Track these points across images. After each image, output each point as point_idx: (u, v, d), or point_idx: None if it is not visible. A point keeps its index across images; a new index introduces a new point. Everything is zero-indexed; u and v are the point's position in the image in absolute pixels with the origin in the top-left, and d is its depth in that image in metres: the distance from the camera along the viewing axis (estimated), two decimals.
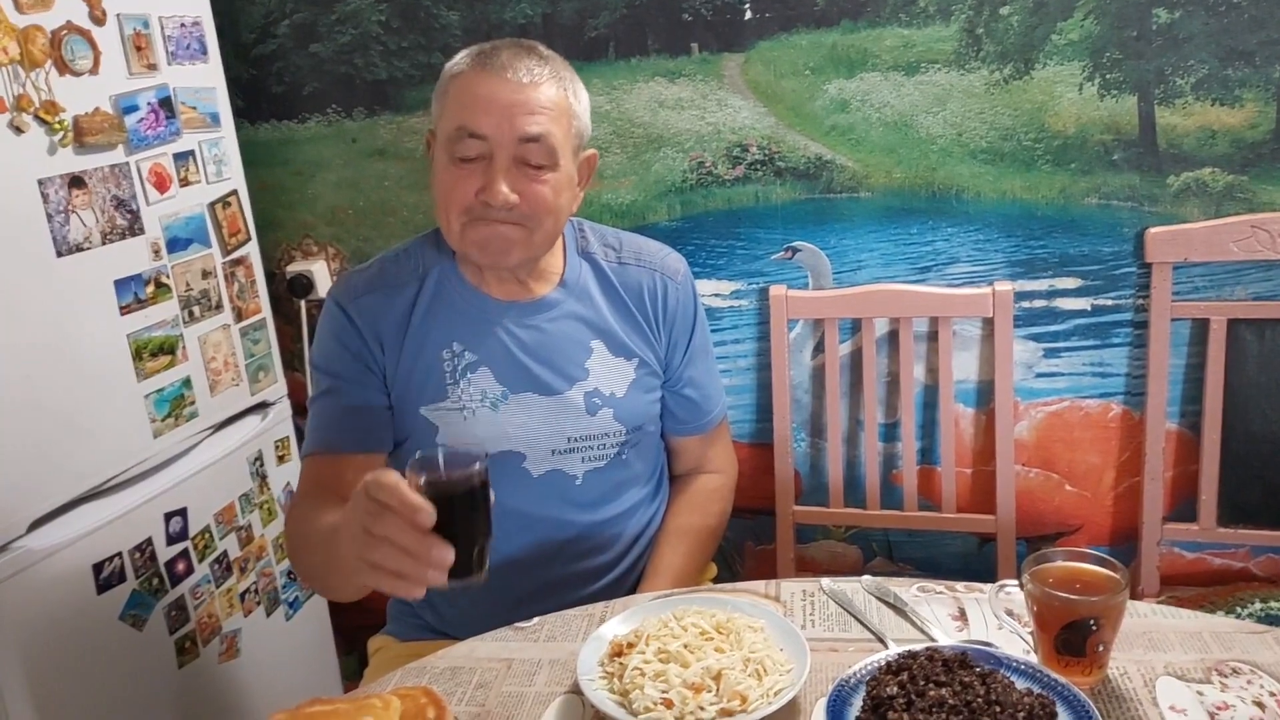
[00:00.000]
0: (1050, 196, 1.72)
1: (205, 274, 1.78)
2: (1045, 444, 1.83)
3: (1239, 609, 1.64)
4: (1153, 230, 1.66)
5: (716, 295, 1.90)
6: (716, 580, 1.63)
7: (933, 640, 1.10)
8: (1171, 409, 1.74)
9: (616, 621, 1.11)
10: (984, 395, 1.83)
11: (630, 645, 1.04)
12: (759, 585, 1.25)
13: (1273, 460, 1.68)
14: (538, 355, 1.36)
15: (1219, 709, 0.96)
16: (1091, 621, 0.98)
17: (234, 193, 1.85)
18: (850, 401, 1.89)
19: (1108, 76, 1.64)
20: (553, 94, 1.25)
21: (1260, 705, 0.96)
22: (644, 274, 1.42)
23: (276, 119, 2.03)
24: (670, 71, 1.81)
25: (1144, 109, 1.64)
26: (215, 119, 1.81)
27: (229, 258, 1.83)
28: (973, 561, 1.91)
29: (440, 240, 1.39)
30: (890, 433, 1.88)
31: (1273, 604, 1.64)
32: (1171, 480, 1.77)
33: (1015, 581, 1.05)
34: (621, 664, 1.02)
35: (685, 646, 1.01)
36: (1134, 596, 1.67)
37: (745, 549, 2.03)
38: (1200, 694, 0.99)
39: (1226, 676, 1.01)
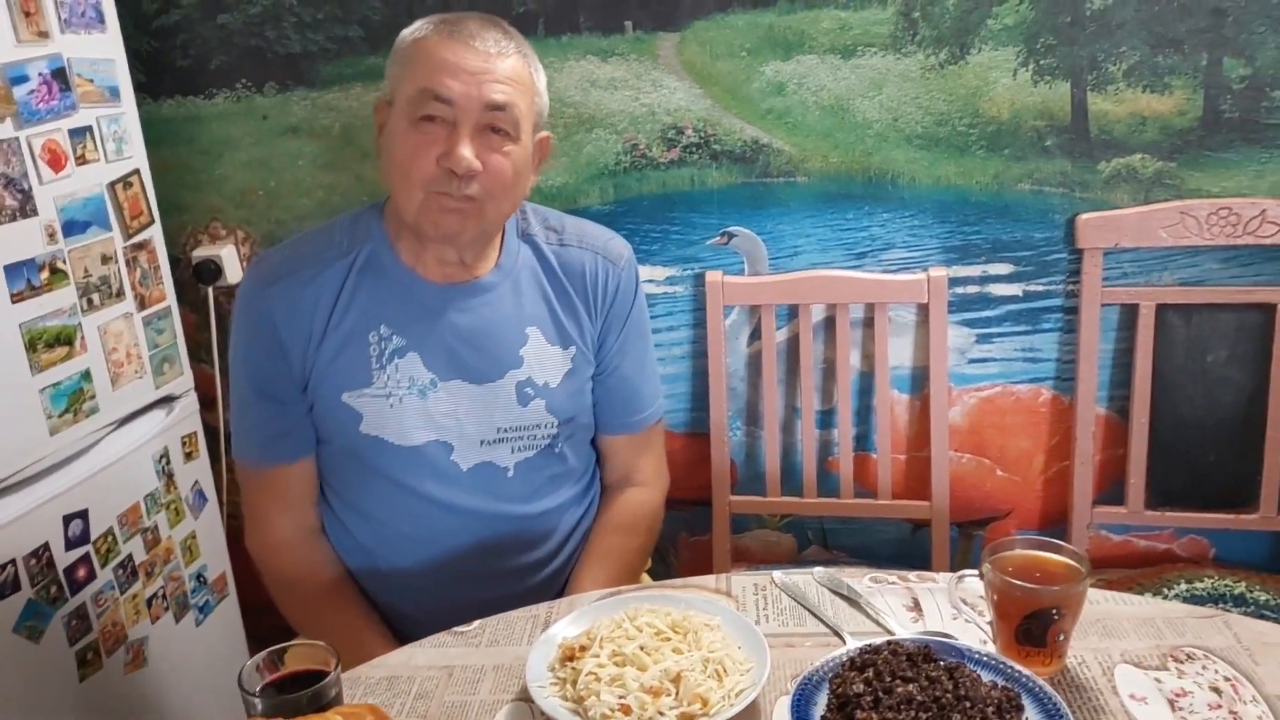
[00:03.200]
0: (984, 182, 1.71)
1: (105, 259, 1.66)
2: (978, 429, 1.83)
3: (1165, 590, 1.67)
4: (1083, 216, 1.67)
5: (651, 281, 1.85)
6: (651, 574, 1.60)
7: (889, 632, 1.08)
8: (1101, 394, 1.76)
9: (565, 623, 1.06)
10: (919, 381, 1.82)
11: (583, 649, 0.99)
12: (709, 580, 1.21)
13: (1199, 444, 1.71)
14: (470, 341, 1.30)
15: (1178, 695, 0.96)
16: (1054, 611, 0.97)
17: (136, 172, 1.72)
18: (787, 389, 1.87)
19: (1041, 62, 1.64)
20: (518, 67, 1.21)
21: (1217, 690, 0.96)
22: (585, 256, 1.37)
23: (181, 94, 1.90)
24: (603, 50, 1.75)
25: (1076, 95, 1.65)
26: (115, 93, 1.68)
27: (130, 242, 1.71)
28: (906, 547, 1.91)
29: (371, 217, 1.32)
30: (826, 420, 1.86)
31: (1197, 585, 1.67)
32: (1100, 464, 1.79)
33: (975, 571, 1.03)
34: (574, 669, 0.97)
35: (641, 648, 0.97)
36: None
37: (680, 541, 1.99)
38: (1159, 681, 0.98)
39: (1182, 662, 1.01)
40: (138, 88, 1.80)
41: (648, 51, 1.74)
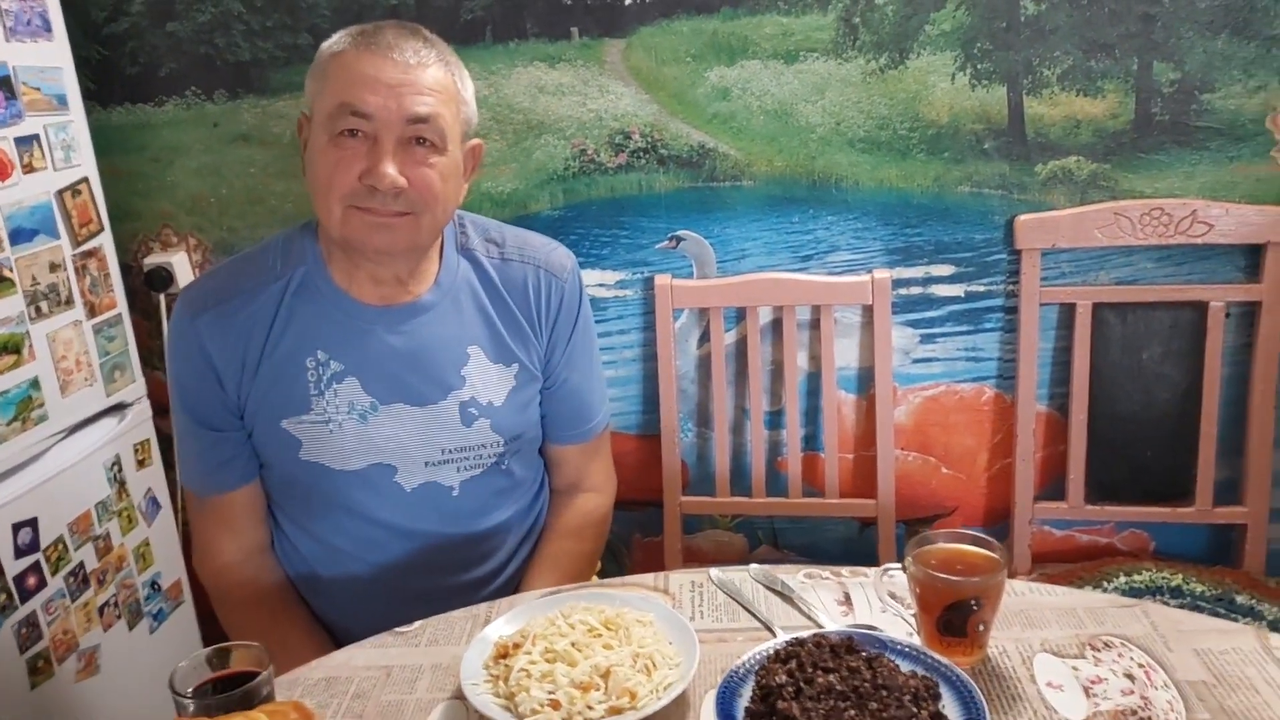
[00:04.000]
0: (925, 185, 1.75)
1: (53, 267, 1.66)
2: (923, 428, 1.87)
3: (1105, 583, 1.70)
4: (1021, 218, 1.71)
5: (601, 285, 1.87)
6: (603, 574, 1.61)
7: (820, 626, 1.11)
8: (1041, 391, 1.80)
9: (502, 622, 1.08)
10: (864, 381, 1.86)
11: (516, 646, 1.00)
12: (648, 578, 1.23)
13: (1136, 439, 1.75)
14: (410, 363, 1.28)
15: (1093, 682, 0.99)
16: (973, 602, 1.00)
17: (84, 180, 1.73)
18: (736, 390, 1.89)
19: (979, 67, 1.68)
20: (440, 76, 1.19)
21: (1130, 677, 0.99)
22: (528, 270, 1.35)
23: (131, 102, 1.91)
24: (550, 56, 1.77)
25: (1013, 99, 1.69)
26: (62, 101, 1.68)
27: (80, 249, 1.71)
28: (854, 545, 1.94)
29: (305, 238, 1.31)
30: (775, 420, 1.89)
31: (1135, 577, 1.71)
32: (1042, 460, 1.83)
33: (898, 565, 1.06)
34: (507, 666, 0.98)
35: (573, 645, 0.99)
36: (1008, 575, 1.73)
37: (633, 541, 2.01)
38: (1075, 669, 1.01)
39: (1099, 650, 1.04)
40: (87, 95, 1.81)
41: (594, 57, 1.77)
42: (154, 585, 1.89)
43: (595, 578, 1.55)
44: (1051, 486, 1.83)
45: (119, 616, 1.80)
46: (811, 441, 1.90)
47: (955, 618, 1.01)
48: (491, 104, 1.79)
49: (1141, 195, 1.69)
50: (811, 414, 1.88)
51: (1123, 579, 1.72)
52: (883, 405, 1.81)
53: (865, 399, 1.86)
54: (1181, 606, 1.63)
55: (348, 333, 1.28)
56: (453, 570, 1.37)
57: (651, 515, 1.94)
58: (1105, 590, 1.69)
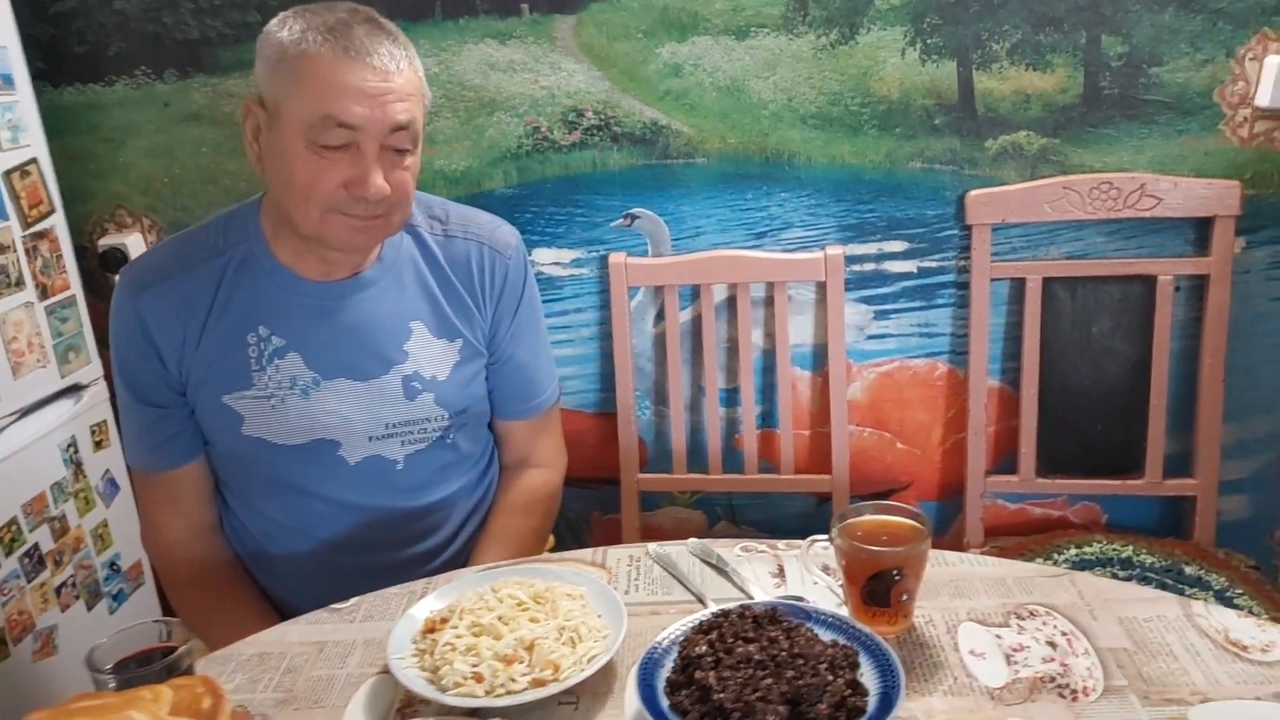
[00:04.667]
0: (877, 161, 1.75)
1: (2, 248, 1.65)
2: (877, 404, 1.87)
3: (1056, 555, 1.72)
4: (972, 193, 1.71)
5: (557, 264, 1.87)
6: (560, 551, 1.62)
7: (750, 598, 1.11)
8: (993, 366, 1.81)
9: (433, 598, 1.08)
10: (819, 358, 1.86)
11: (443, 621, 1.01)
12: (586, 553, 1.24)
13: (1086, 413, 1.76)
14: (352, 338, 1.29)
15: (1015, 650, 1.00)
16: (895, 572, 1.00)
17: (33, 161, 1.72)
18: (692, 368, 1.90)
19: (928, 41, 1.68)
20: (411, 78, 1.19)
21: (1053, 645, 1.00)
22: (471, 247, 1.36)
23: (81, 82, 1.90)
24: (500, 33, 1.76)
25: (963, 74, 1.68)
26: (8, 81, 1.68)
27: (30, 231, 1.71)
28: (811, 521, 1.95)
29: (247, 214, 1.31)
30: (731, 398, 1.90)
31: (1086, 549, 1.72)
32: (994, 435, 1.84)
33: (825, 536, 1.07)
34: (433, 640, 0.99)
35: (500, 619, 0.99)
36: (959, 548, 1.74)
37: (592, 519, 2.02)
38: (999, 637, 1.02)
39: (1024, 619, 1.05)
40: (37, 75, 1.79)
41: (545, 34, 1.76)
42: (113, 566, 1.89)
43: (548, 554, 1.55)
44: (1004, 460, 1.85)
45: (77, 597, 1.81)
46: (767, 418, 1.90)
47: (879, 588, 1.01)
48: (443, 81, 1.79)
49: (1091, 169, 1.69)
50: (767, 391, 1.89)
51: (1073, 551, 1.73)
52: (836, 382, 1.82)
53: (820, 375, 1.87)
54: (1131, 578, 1.65)
55: (290, 308, 1.28)
56: (399, 544, 1.38)
57: (610, 493, 1.94)
58: (1056, 562, 1.70)
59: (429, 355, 1.33)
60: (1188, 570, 1.66)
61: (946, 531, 1.92)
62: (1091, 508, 1.87)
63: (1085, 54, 1.65)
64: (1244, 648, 0.98)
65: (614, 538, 1.97)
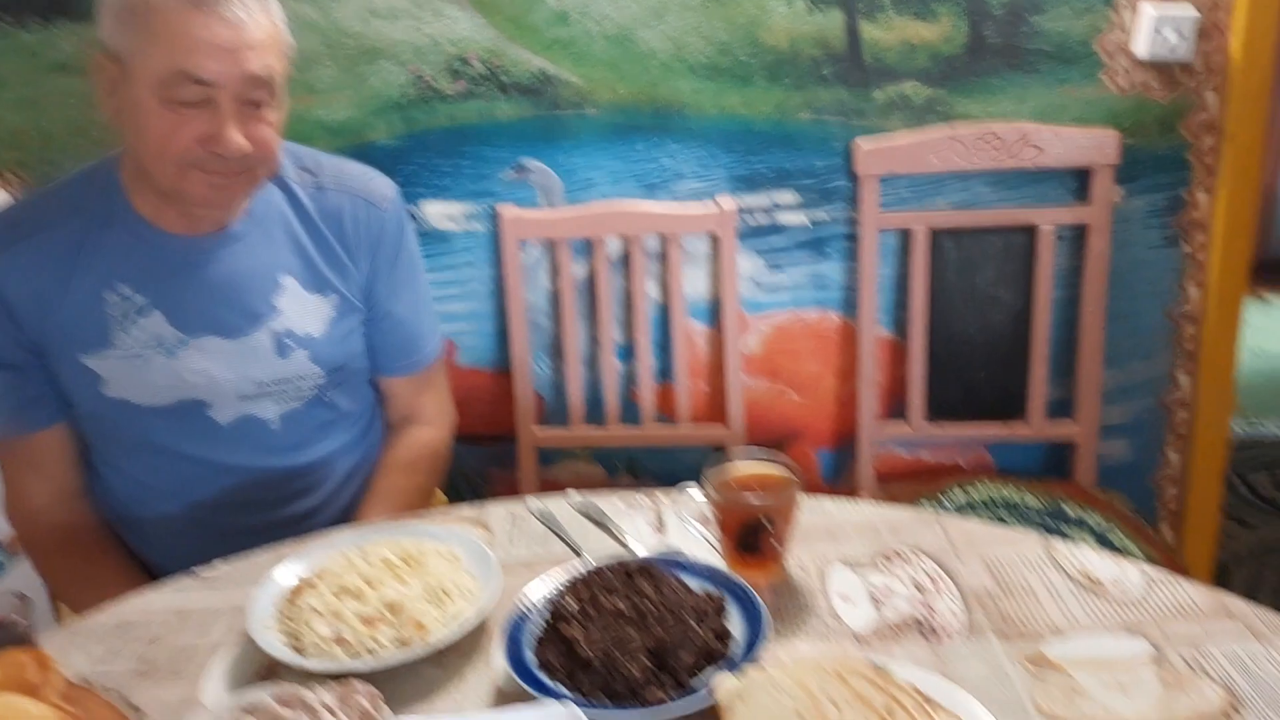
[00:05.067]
0: (766, 112, 1.74)
1: None
2: (771, 355, 1.88)
3: (944, 500, 1.75)
4: (860, 144, 1.72)
5: (447, 217, 1.83)
6: None
7: (630, 551, 1.11)
8: (883, 317, 1.83)
9: (299, 561, 1.06)
10: (714, 311, 1.86)
11: (308, 585, 0.99)
12: (466, 510, 1.23)
13: (971, 361, 1.80)
14: (218, 295, 1.25)
15: (882, 593, 1.02)
16: (765, 520, 1.01)
17: None
18: (588, 323, 1.88)
19: None
20: (266, 25, 1.14)
21: (919, 587, 1.02)
22: (344, 199, 1.32)
23: None
24: None
25: (849, 23, 1.68)
26: None
27: None
28: None
29: (106, 168, 1.26)
30: (628, 352, 1.89)
31: (972, 491, 1.76)
32: (884, 384, 1.86)
33: (695, 484, 1.07)
34: (296, 605, 0.97)
35: (365, 580, 0.97)
36: (852, 495, 1.77)
37: (489, 476, 2.00)
38: (867, 580, 1.04)
39: (892, 561, 1.06)
40: None
41: None
42: None
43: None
44: (894, 409, 1.87)
45: None
46: (664, 371, 1.90)
47: (751, 536, 1.02)
48: (321, 28, 1.72)
49: (976, 119, 1.71)
50: (663, 344, 1.88)
51: (961, 495, 1.77)
52: (731, 334, 1.82)
53: (715, 328, 1.87)
54: (1015, 520, 1.70)
55: (152, 265, 1.24)
56: (278, 504, 1.35)
57: (507, 450, 1.93)
58: (945, 506, 1.74)
59: (301, 311, 1.30)
60: (1069, 511, 1.71)
61: (840, 480, 1.95)
62: (980, 453, 1.92)
63: (969, 3, 1.66)
64: (1101, 584, 1.01)
65: (512, 495, 1.95)
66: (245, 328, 1.27)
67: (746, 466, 1.07)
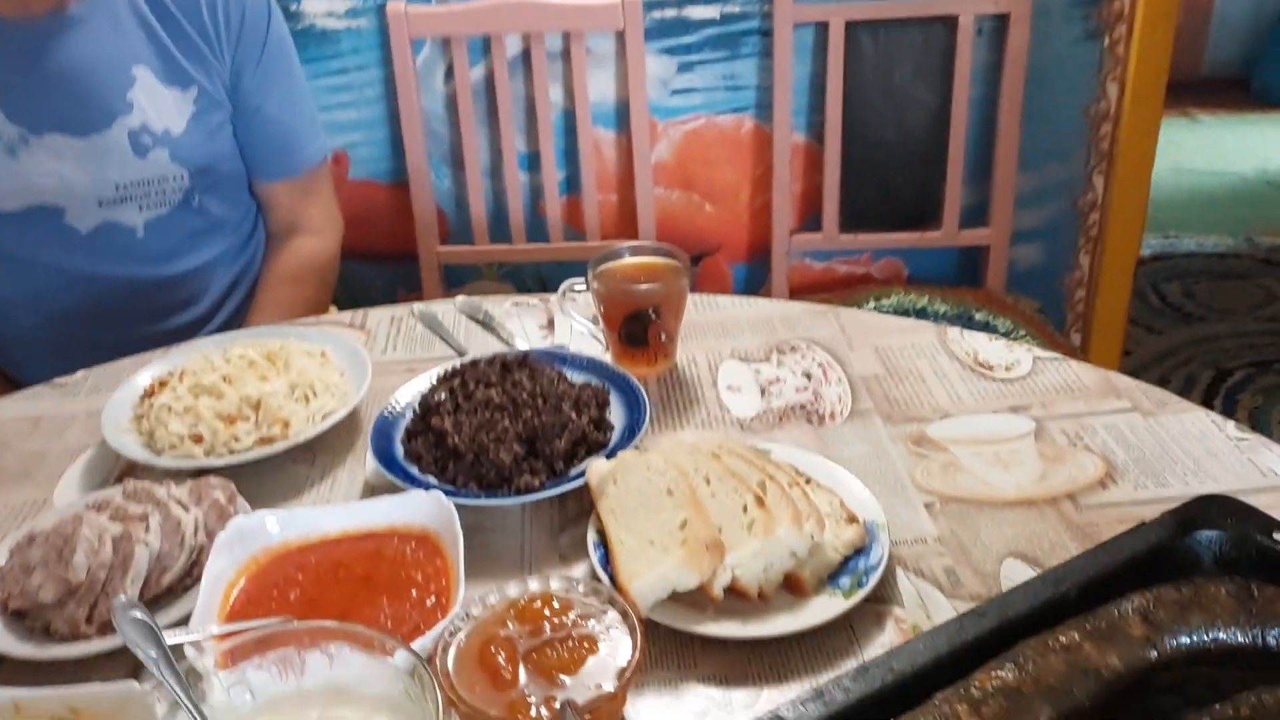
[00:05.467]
0: None
1: None
2: (684, 164, 1.81)
3: (857, 309, 1.73)
4: None
5: (330, 15, 1.69)
6: None
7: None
8: (798, 120, 1.75)
9: (159, 363, 0.99)
10: (622, 117, 1.77)
11: (162, 384, 0.93)
12: (345, 316, 1.17)
13: (887, 166, 1.75)
14: (62, 87, 1.14)
15: (771, 383, 0.99)
16: (651, 311, 0.97)
17: None
18: (489, 130, 1.78)
19: None
20: None
21: (808, 375, 1.00)
22: None
23: None
24: None
25: None
26: None
27: None
28: None
29: None
30: (532, 161, 1.80)
31: (884, 300, 1.74)
32: (800, 193, 1.81)
33: (582, 280, 1.02)
34: (151, 404, 0.91)
35: (224, 378, 0.92)
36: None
37: (398, 298, 1.94)
38: (757, 371, 1.01)
39: (784, 353, 1.04)
40: None
41: None
42: None
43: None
44: (810, 219, 1.83)
45: None
46: (572, 183, 1.82)
47: (636, 328, 0.98)
48: None
49: None
50: (570, 153, 1.80)
51: (873, 304, 1.75)
52: (640, 141, 1.74)
53: (624, 135, 1.78)
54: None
55: None
56: (152, 318, 1.28)
57: (411, 269, 1.85)
58: None
59: (158, 106, 1.19)
60: (977, 316, 1.71)
61: (756, 293, 1.92)
62: (894, 262, 1.89)
63: None
64: (990, 367, 0.99)
65: None
66: (96, 124, 1.17)
67: (633, 258, 1.02)
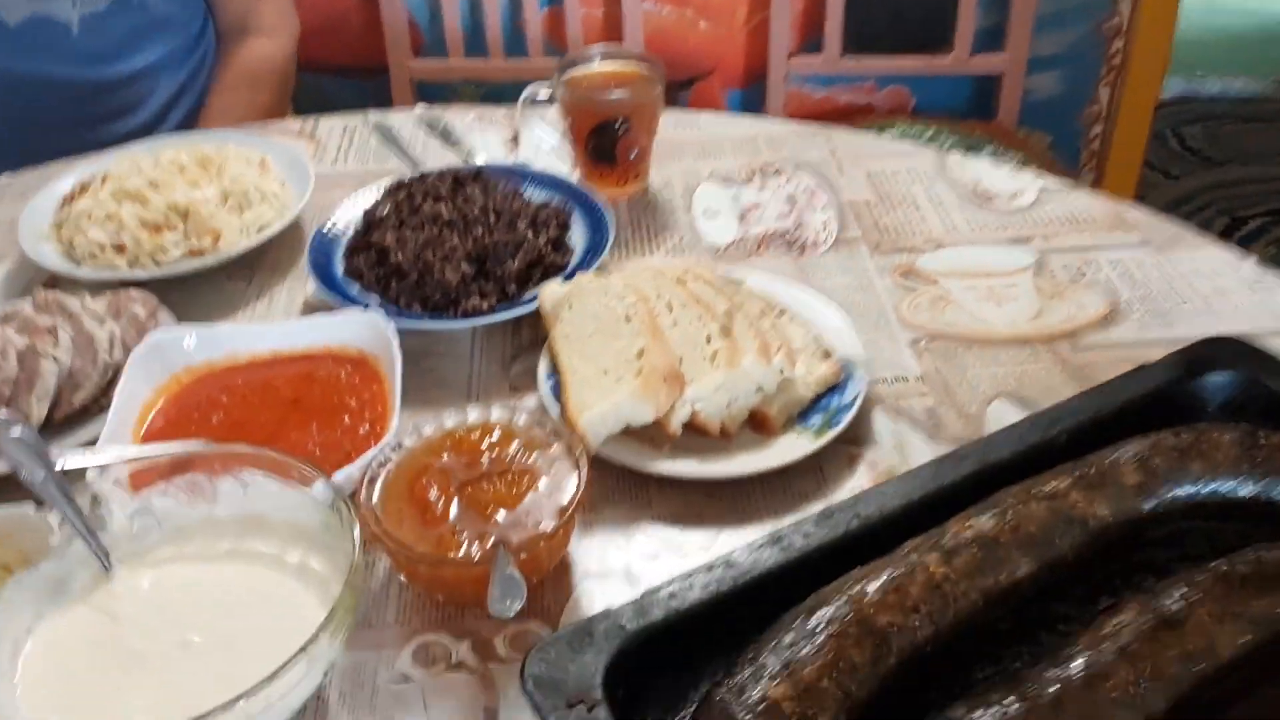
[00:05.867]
0: None
1: None
2: None
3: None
4: None
5: None
6: None
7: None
8: None
9: (84, 167, 0.91)
10: None
11: (84, 189, 0.85)
12: (294, 124, 1.07)
13: None
14: None
15: (750, 208, 0.91)
16: (620, 122, 0.87)
17: None
18: None
19: None
20: None
21: (792, 200, 0.91)
22: None
23: None
24: None
25: None
26: None
27: None
28: None
29: None
30: None
31: (886, 132, 1.63)
32: (801, 12, 1.66)
33: (547, 84, 0.92)
34: (71, 210, 0.83)
35: (151, 183, 0.83)
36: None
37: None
38: (736, 196, 0.93)
39: (768, 176, 0.95)
40: None
41: None
42: None
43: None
44: (811, 41, 1.69)
45: None
46: None
47: (604, 141, 0.89)
48: None
49: None
50: None
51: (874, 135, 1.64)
52: None
53: None
54: None
55: None
56: (93, 123, 1.19)
57: (382, 84, 1.73)
58: None
59: None
60: (985, 150, 1.60)
61: None
62: (899, 91, 1.76)
63: None
64: (990, 197, 0.91)
65: None
66: None
67: (605, 64, 0.92)
